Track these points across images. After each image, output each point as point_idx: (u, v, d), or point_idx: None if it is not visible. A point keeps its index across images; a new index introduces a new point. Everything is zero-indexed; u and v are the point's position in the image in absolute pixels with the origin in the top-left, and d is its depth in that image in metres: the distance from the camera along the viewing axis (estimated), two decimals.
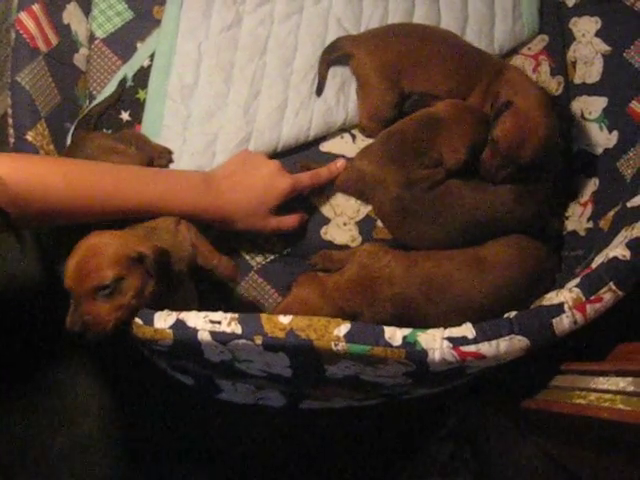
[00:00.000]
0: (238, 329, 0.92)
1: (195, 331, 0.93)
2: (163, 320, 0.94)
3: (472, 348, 0.89)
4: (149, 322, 0.95)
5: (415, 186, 1.20)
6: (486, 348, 0.89)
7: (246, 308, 1.28)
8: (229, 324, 0.93)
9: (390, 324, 0.93)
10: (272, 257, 1.32)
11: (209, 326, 0.93)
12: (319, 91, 1.38)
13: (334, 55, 1.37)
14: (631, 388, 0.85)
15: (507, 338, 0.89)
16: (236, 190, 1.18)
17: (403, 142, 1.24)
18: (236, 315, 0.93)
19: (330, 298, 1.13)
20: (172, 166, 1.33)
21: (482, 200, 1.21)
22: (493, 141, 1.20)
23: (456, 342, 0.89)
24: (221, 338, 0.92)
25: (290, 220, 1.25)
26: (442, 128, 1.24)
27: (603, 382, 0.92)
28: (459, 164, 1.23)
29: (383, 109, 1.33)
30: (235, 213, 1.18)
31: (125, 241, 0.99)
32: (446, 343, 0.89)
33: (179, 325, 0.93)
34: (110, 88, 1.38)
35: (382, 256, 1.16)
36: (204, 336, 0.92)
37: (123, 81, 1.39)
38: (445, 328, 0.92)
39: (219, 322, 0.93)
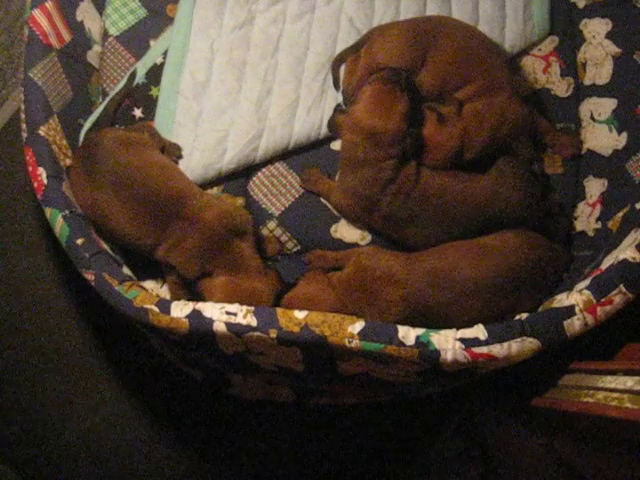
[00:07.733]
0: (253, 321, 0.93)
1: (211, 321, 0.94)
2: (179, 309, 0.96)
3: (484, 349, 0.90)
4: (166, 311, 0.96)
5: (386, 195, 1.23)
6: (497, 350, 0.90)
7: None
8: (245, 316, 0.94)
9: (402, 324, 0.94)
10: (283, 254, 1.33)
11: (225, 317, 0.94)
12: (336, 85, 1.40)
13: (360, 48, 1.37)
14: (638, 387, 0.86)
15: (519, 340, 0.91)
16: None
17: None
18: (252, 308, 0.95)
19: (334, 294, 1.15)
20: (182, 162, 1.34)
21: (465, 187, 1.23)
22: None
23: (468, 343, 0.91)
24: (236, 330, 0.94)
25: None
26: None
27: (611, 381, 0.92)
28: None
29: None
30: None
31: None
32: (458, 344, 0.90)
33: (195, 315, 0.95)
34: (122, 85, 1.39)
35: (381, 257, 1.18)
36: (219, 327, 0.94)
37: (132, 74, 1.40)
38: (457, 329, 0.93)
39: (235, 314, 0.94)
